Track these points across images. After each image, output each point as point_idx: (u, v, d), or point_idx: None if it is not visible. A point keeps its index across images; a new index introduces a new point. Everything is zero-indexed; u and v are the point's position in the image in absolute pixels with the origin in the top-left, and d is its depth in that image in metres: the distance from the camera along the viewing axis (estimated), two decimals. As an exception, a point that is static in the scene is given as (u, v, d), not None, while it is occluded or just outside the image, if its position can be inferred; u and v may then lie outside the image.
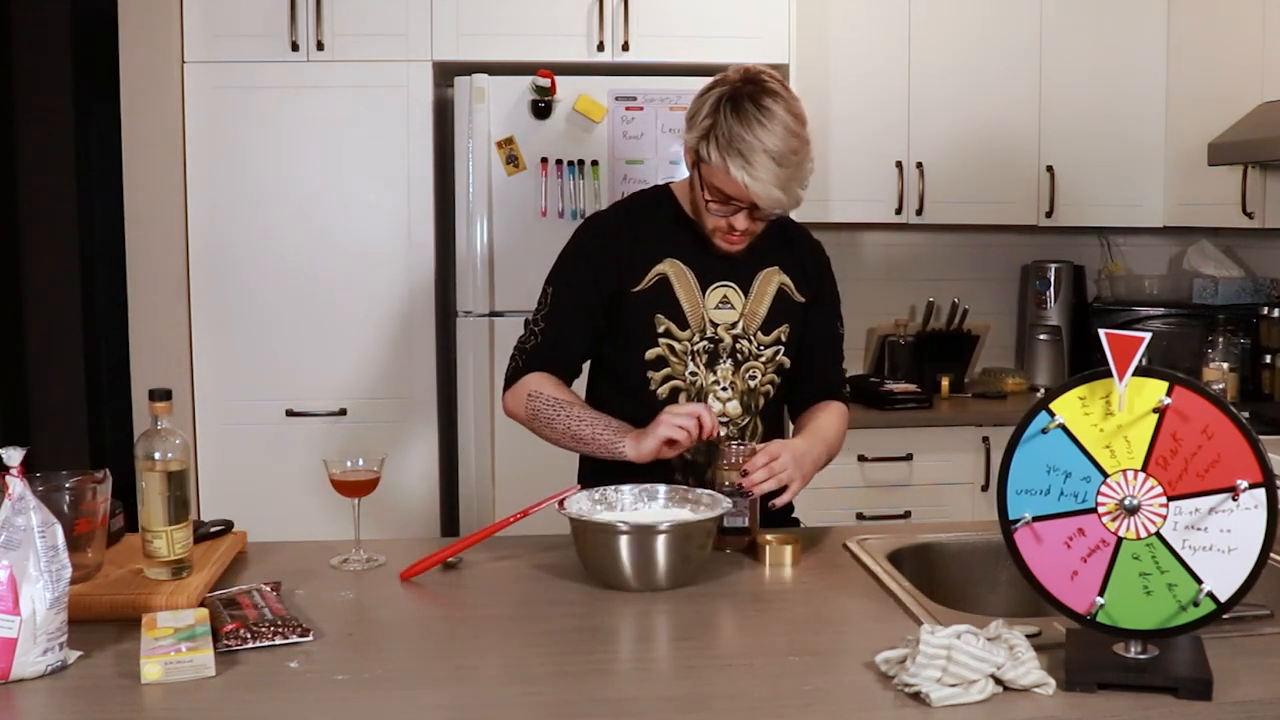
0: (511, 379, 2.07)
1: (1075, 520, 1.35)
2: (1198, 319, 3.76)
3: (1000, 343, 4.10)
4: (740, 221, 1.93)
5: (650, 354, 2.01)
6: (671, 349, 2.01)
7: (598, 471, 2.02)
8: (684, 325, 2.01)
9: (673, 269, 2.02)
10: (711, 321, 2.02)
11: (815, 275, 2.12)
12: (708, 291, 2.02)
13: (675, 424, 1.85)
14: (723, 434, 1.96)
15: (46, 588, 1.39)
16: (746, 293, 2.04)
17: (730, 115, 1.85)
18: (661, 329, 2.01)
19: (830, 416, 2.10)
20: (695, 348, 2.01)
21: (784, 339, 2.06)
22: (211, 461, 3.23)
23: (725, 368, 2.02)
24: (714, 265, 2.03)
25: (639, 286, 2.01)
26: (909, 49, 3.64)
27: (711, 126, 1.86)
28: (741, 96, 1.86)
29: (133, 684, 1.35)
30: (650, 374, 2.02)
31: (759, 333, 2.04)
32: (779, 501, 1.90)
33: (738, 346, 2.03)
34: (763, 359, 2.04)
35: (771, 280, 2.06)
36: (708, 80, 1.95)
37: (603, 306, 2.03)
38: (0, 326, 5.02)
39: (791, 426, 2.19)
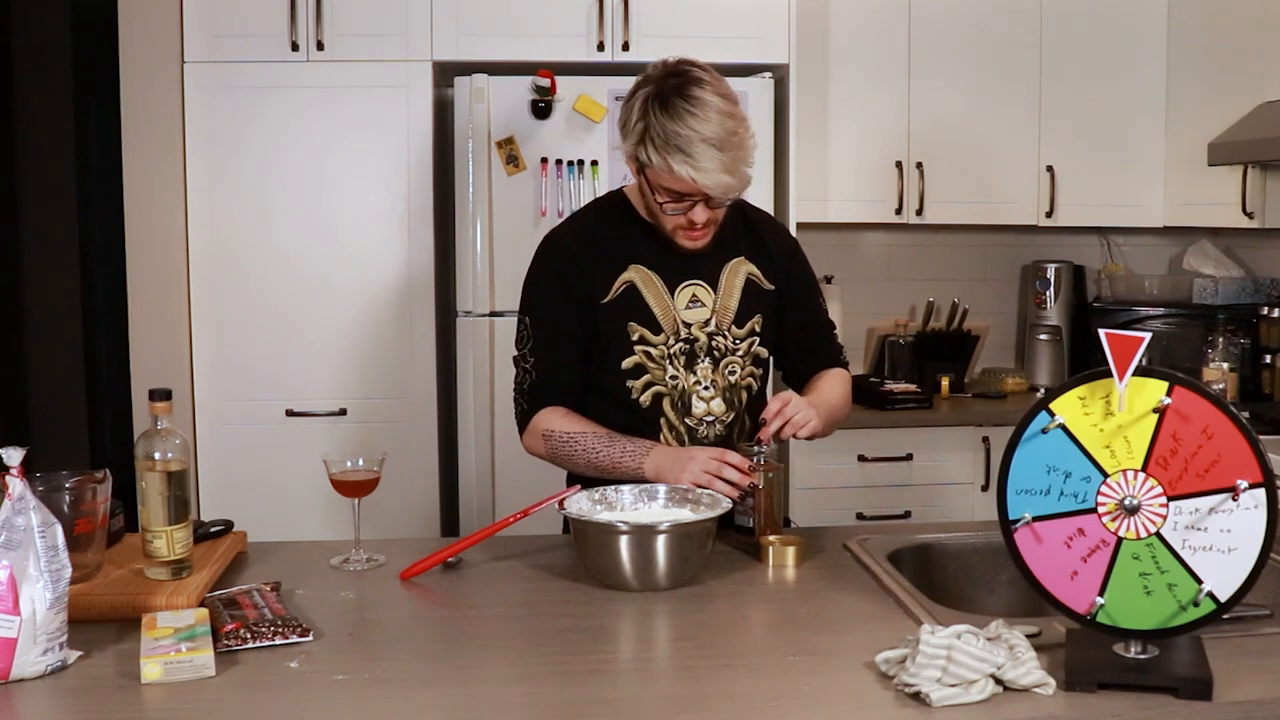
0: (523, 422, 2.06)
1: (1075, 520, 1.35)
2: (1198, 319, 3.75)
3: (1000, 343, 4.10)
4: (699, 215, 1.91)
5: (627, 363, 1.99)
6: (649, 355, 1.99)
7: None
8: (657, 330, 1.99)
9: (639, 275, 2.00)
10: (684, 322, 2.00)
11: (783, 259, 2.10)
12: (676, 292, 2.01)
13: (714, 483, 1.86)
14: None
15: (46, 588, 1.39)
16: (715, 288, 2.02)
17: (661, 113, 1.83)
18: (635, 336, 1.99)
19: (830, 381, 2.09)
20: (672, 351, 2.00)
21: (758, 329, 2.05)
22: (211, 461, 3.23)
23: (704, 367, 2.01)
24: (679, 265, 2.01)
25: (608, 297, 1.99)
26: (909, 49, 3.64)
27: (645, 129, 1.85)
28: (668, 92, 1.84)
29: (133, 684, 1.36)
30: (630, 383, 2.00)
31: (733, 326, 2.03)
32: (803, 434, 1.89)
33: (713, 344, 2.01)
34: (739, 352, 2.03)
35: (739, 271, 2.04)
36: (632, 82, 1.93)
37: (580, 322, 2.00)
38: (0, 326, 5.02)
39: None
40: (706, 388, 2.01)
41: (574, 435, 1.97)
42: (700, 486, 1.86)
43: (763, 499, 1.90)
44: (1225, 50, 3.52)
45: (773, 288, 2.07)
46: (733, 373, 2.03)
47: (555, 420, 2.00)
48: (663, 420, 2.00)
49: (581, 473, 2.00)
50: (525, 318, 2.04)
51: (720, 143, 1.82)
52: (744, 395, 2.05)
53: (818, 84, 3.55)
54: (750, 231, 2.09)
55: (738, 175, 1.86)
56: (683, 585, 1.73)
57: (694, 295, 2.01)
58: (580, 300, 2.00)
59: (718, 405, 2.01)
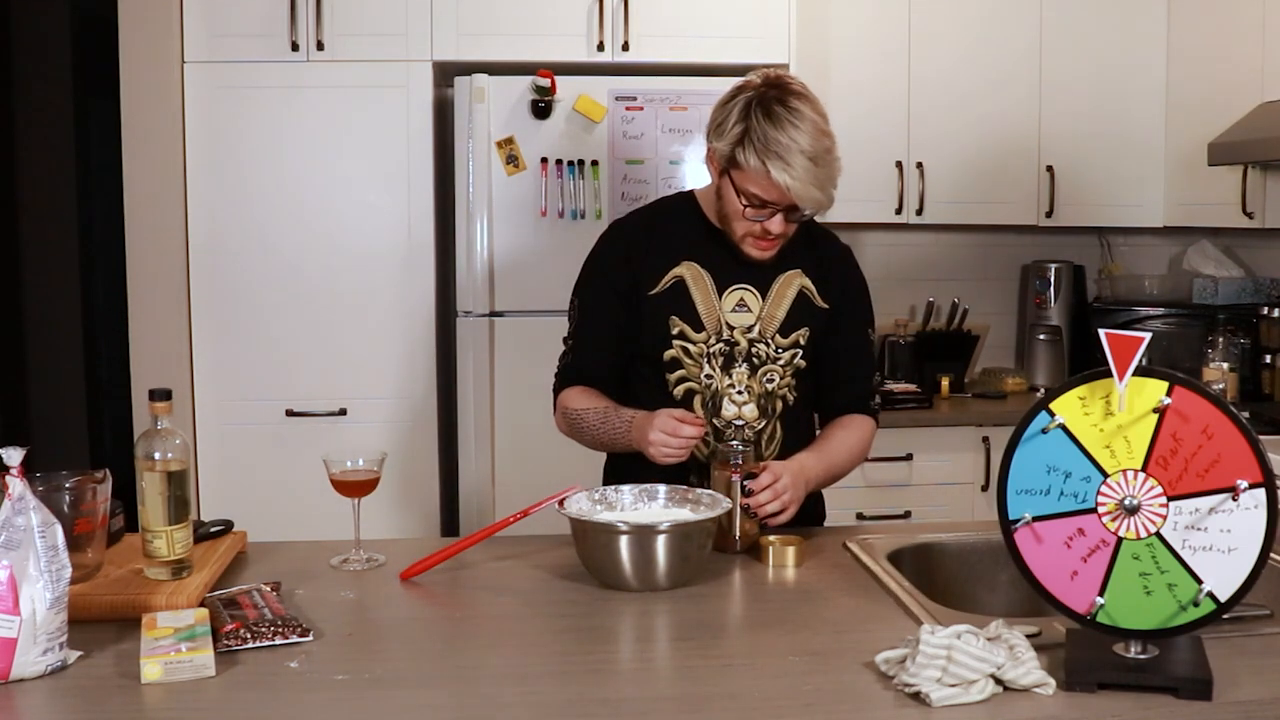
0: (555, 402, 2.12)
1: (1075, 520, 1.35)
2: (1198, 319, 3.76)
3: (1000, 343, 4.10)
4: (776, 225, 1.93)
5: (666, 356, 2.03)
6: (686, 351, 2.02)
7: (618, 469, 2.08)
8: (699, 327, 2.01)
9: (690, 271, 2.03)
10: (728, 324, 2.02)
11: (838, 281, 2.09)
12: (724, 294, 2.02)
13: (666, 452, 1.88)
14: (730, 437, 1.95)
15: (46, 588, 1.39)
16: (764, 296, 2.03)
17: (763, 119, 1.85)
18: (676, 331, 2.01)
19: (849, 434, 2.08)
20: (711, 350, 2.02)
21: (802, 343, 2.05)
22: (211, 461, 3.23)
23: (741, 371, 2.02)
24: (732, 268, 2.02)
25: (655, 289, 2.03)
26: (909, 49, 3.64)
27: (745, 132, 1.87)
28: (769, 100, 1.87)
29: (133, 684, 1.36)
30: (667, 375, 2.03)
31: (777, 335, 2.03)
32: (774, 521, 1.89)
33: (754, 350, 2.02)
34: (780, 362, 2.04)
35: (792, 283, 2.05)
36: (709, 80, 1.96)
37: (621, 310, 2.04)
38: (0, 326, 5.02)
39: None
40: (741, 391, 2.02)
41: (582, 412, 2.03)
42: (669, 452, 1.88)
43: (732, 494, 1.87)
44: (1225, 50, 3.52)
45: (826, 307, 2.07)
46: (770, 380, 2.03)
47: (573, 398, 2.07)
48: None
49: (596, 449, 2.07)
50: (574, 300, 2.11)
51: (816, 157, 1.85)
52: (779, 404, 2.05)
53: (818, 84, 3.54)
54: (813, 248, 2.09)
55: (826, 192, 1.89)
56: (683, 585, 1.73)
57: (741, 299, 2.02)
58: (623, 289, 2.04)
59: (750, 410, 2.02)
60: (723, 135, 1.90)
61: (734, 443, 1.90)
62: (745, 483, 1.86)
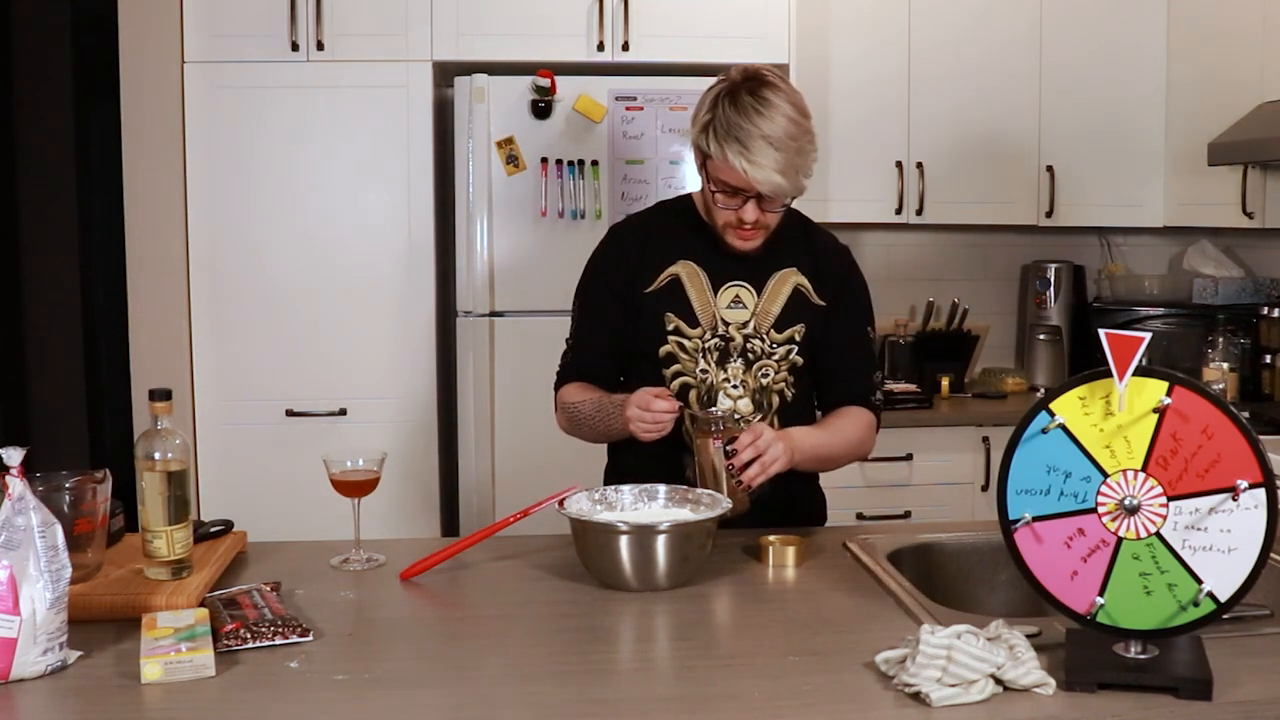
0: (555, 400, 2.15)
1: (1075, 520, 1.35)
2: (1198, 319, 3.76)
3: (1000, 343, 4.10)
4: (749, 212, 1.93)
5: (662, 351, 2.04)
6: (681, 346, 2.03)
7: (619, 469, 2.11)
8: (694, 323, 2.03)
9: (685, 270, 2.04)
10: (723, 320, 2.03)
11: (835, 279, 2.09)
12: (720, 291, 2.04)
13: (643, 427, 1.90)
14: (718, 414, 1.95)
15: (46, 588, 1.39)
16: (760, 292, 2.04)
17: (729, 107, 1.88)
18: (671, 327, 2.03)
19: (845, 421, 2.07)
20: (706, 345, 2.03)
21: (798, 338, 2.06)
22: (211, 461, 3.23)
23: (736, 366, 2.03)
24: (728, 266, 2.04)
25: (651, 287, 2.04)
26: (909, 49, 3.64)
27: (711, 120, 1.90)
28: (739, 90, 1.89)
29: (133, 684, 1.36)
30: (663, 371, 2.04)
31: (771, 331, 2.04)
32: (749, 477, 1.85)
33: (749, 345, 2.03)
34: (775, 357, 2.05)
35: (787, 280, 2.06)
36: (709, 80, 1.97)
37: (622, 310, 2.06)
38: (0, 327, 5.02)
39: None
40: (735, 386, 2.03)
41: (579, 404, 2.06)
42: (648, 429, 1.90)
43: (715, 460, 1.87)
44: (1225, 50, 3.52)
45: (822, 304, 2.08)
46: (765, 375, 2.04)
47: (570, 393, 2.10)
48: (686, 412, 2.01)
49: (595, 439, 2.10)
50: (575, 302, 2.14)
51: (778, 143, 1.86)
52: (775, 399, 2.06)
53: (818, 84, 3.55)
54: (809, 247, 2.10)
55: (790, 179, 1.89)
56: (683, 585, 1.73)
57: (737, 296, 2.04)
58: (619, 290, 2.06)
59: (745, 405, 2.03)
60: (694, 124, 1.95)
61: (713, 410, 1.92)
62: (728, 447, 1.87)
